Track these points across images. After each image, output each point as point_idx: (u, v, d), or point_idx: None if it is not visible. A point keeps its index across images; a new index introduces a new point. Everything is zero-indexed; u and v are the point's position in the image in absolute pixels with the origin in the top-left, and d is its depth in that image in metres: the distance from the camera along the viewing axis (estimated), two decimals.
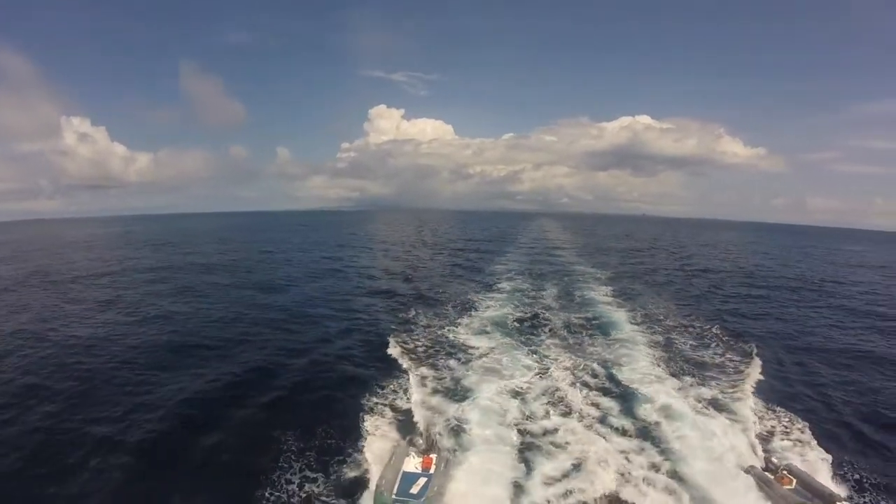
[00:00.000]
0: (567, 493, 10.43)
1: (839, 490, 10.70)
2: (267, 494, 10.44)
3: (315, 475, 11.08)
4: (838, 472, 11.67)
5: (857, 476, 11.66)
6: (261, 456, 11.86)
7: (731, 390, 16.14)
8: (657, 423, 13.50)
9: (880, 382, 18.36)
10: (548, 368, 17.71)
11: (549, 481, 10.87)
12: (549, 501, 10.21)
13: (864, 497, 10.84)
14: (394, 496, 9.30)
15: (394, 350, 19.37)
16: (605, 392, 15.67)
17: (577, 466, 11.38)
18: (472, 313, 25.68)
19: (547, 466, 11.42)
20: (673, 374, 17.23)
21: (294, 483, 10.87)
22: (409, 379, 16.46)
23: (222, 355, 19.36)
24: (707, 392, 15.82)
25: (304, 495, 10.43)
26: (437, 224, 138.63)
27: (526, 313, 25.87)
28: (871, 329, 26.55)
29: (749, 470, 11.25)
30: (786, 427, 13.82)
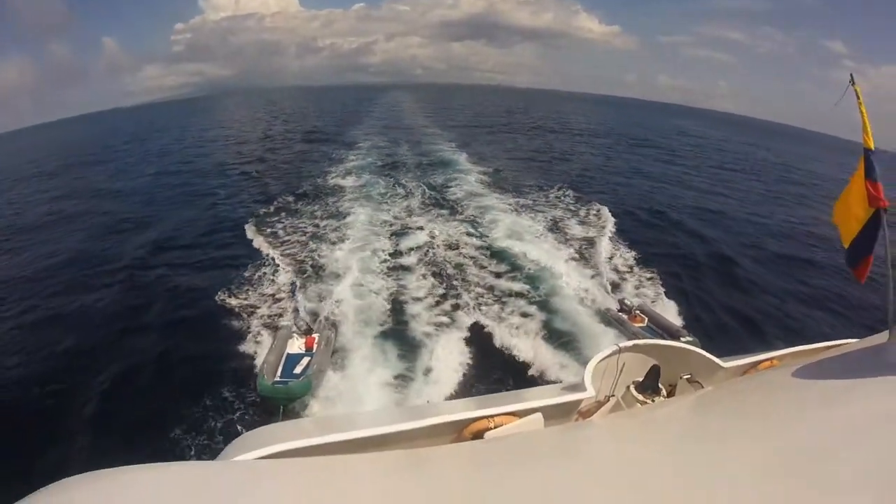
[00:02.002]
0: (424, 256, 15.26)
1: (681, 324, 11.76)
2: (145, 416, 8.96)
3: (191, 376, 10.09)
4: (682, 309, 12.84)
5: (695, 311, 13.10)
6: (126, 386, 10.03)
7: (576, 225, 18.84)
8: (486, 221, 18.45)
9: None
10: (406, 192, 22.79)
11: (408, 252, 15.61)
12: (408, 266, 14.68)
13: (702, 329, 11.96)
14: (276, 378, 9.28)
15: (254, 226, 18.34)
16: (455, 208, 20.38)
17: (430, 242, 16.37)
18: (337, 166, 28.76)
19: (409, 241, 16.44)
20: (499, 194, 22.81)
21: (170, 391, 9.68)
22: (278, 250, 15.87)
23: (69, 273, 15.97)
24: (535, 210, 21.00)
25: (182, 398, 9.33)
26: (288, 102, 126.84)
27: (384, 162, 30.15)
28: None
29: (606, 311, 11.95)
30: (633, 266, 15.29)
